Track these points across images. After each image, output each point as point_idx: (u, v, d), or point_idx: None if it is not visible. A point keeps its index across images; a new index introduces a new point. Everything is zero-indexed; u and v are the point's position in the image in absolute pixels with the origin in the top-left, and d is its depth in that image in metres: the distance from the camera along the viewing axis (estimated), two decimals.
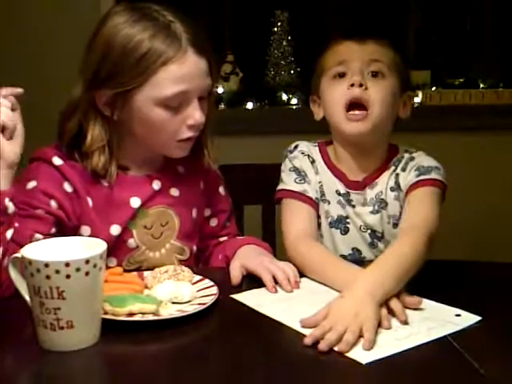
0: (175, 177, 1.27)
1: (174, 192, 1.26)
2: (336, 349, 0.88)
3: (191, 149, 1.23)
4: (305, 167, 1.33)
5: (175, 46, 1.12)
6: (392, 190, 1.29)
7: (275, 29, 2.62)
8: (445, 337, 0.93)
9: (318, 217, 1.32)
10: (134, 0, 1.22)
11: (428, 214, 1.20)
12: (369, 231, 1.30)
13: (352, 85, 1.23)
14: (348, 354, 0.87)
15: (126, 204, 1.21)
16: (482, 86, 2.64)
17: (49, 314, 0.85)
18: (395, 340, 0.92)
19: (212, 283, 1.07)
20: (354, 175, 1.31)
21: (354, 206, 1.31)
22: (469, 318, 1.00)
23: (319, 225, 1.32)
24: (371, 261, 1.18)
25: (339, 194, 1.31)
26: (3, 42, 2.36)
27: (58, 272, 0.83)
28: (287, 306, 1.04)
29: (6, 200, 1.04)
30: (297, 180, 1.31)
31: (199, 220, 1.32)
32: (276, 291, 1.09)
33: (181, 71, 1.12)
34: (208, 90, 1.18)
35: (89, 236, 1.17)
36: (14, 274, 0.92)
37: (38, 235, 1.12)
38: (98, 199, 1.19)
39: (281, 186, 1.33)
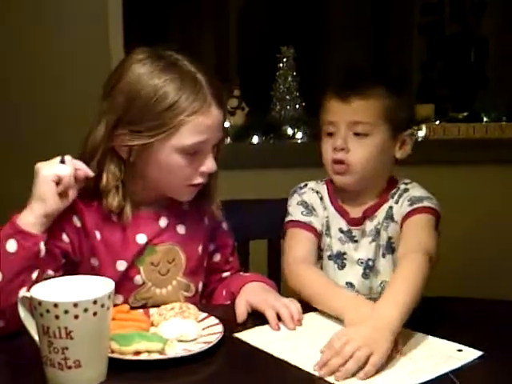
0: (181, 214, 1.29)
1: (180, 229, 1.28)
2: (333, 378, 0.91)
3: (199, 193, 1.26)
4: (313, 202, 1.39)
5: (201, 98, 1.15)
6: (384, 220, 1.35)
7: (281, 64, 2.64)
8: (446, 373, 0.93)
9: (321, 250, 1.37)
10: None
11: (424, 237, 1.23)
12: (364, 264, 1.35)
13: (336, 147, 1.31)
14: None
15: (132, 240, 1.23)
16: (485, 119, 2.66)
17: (57, 354, 0.86)
18: (400, 376, 0.93)
19: (217, 321, 1.08)
20: (355, 212, 1.37)
21: (356, 241, 1.36)
22: (470, 353, 1.01)
23: (320, 257, 1.37)
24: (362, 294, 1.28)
25: (341, 232, 1.37)
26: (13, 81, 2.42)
27: (66, 312, 0.85)
28: (291, 343, 1.05)
29: (41, 244, 1.08)
30: (303, 212, 1.37)
31: (204, 256, 1.33)
32: (279, 328, 1.10)
33: (205, 123, 1.16)
34: (221, 140, 1.23)
35: (96, 269, 1.19)
36: (23, 314, 0.94)
37: (49, 271, 1.13)
38: (105, 234, 1.21)
39: (288, 219, 1.39)
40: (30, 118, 2.36)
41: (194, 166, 1.19)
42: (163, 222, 1.26)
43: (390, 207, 1.35)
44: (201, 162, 1.19)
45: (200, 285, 1.32)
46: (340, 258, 1.36)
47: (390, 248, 1.34)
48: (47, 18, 2.40)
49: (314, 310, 1.18)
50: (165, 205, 1.27)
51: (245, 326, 1.12)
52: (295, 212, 1.38)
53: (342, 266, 1.36)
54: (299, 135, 2.56)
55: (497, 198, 2.51)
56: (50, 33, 2.39)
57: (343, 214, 1.37)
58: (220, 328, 1.05)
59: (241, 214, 1.50)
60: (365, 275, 1.35)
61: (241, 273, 1.37)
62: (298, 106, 2.62)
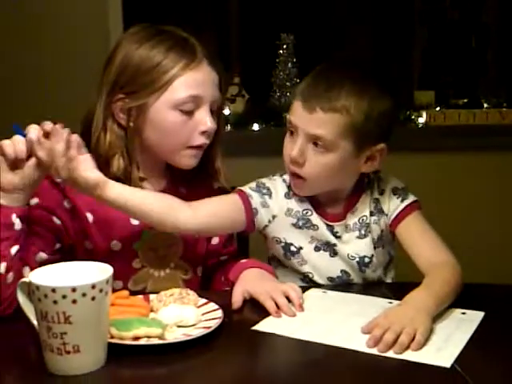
0: (177, 196, 1.29)
1: None
2: (392, 351, 0.95)
3: (201, 167, 1.26)
4: (276, 190, 1.29)
5: (191, 54, 1.20)
6: (372, 214, 1.28)
7: (281, 51, 2.65)
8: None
9: (300, 248, 1.28)
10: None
11: (439, 243, 1.22)
12: (357, 259, 1.27)
13: (292, 158, 1.20)
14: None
15: (126, 220, 1.23)
16: (486, 105, 2.66)
17: (55, 339, 0.86)
18: (438, 350, 0.96)
19: (217, 306, 1.08)
20: (334, 208, 1.29)
21: (339, 237, 1.28)
22: (475, 315, 1.09)
23: (297, 252, 1.28)
24: (359, 284, 1.28)
25: (321, 228, 1.28)
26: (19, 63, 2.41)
27: (64, 297, 0.85)
28: (312, 325, 1.06)
29: (13, 216, 1.08)
30: (252, 187, 1.28)
31: (202, 239, 1.34)
32: (280, 316, 1.09)
33: (195, 78, 1.20)
34: (218, 103, 1.25)
35: (91, 252, 1.21)
36: (21, 299, 0.94)
37: (41, 253, 1.15)
38: (98, 215, 1.22)
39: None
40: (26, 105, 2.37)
41: (191, 125, 1.21)
42: None
43: (377, 199, 1.28)
44: (199, 121, 1.21)
45: (199, 269, 1.32)
46: (330, 246, 1.27)
47: (381, 241, 1.29)
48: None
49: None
50: (161, 187, 1.28)
51: (241, 312, 1.12)
52: (246, 186, 1.28)
53: (333, 254, 1.28)
54: None
55: (497, 183, 2.51)
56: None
57: (320, 211, 1.27)
58: (220, 313, 1.05)
59: None
60: (361, 270, 1.28)
61: (239, 259, 1.36)
62: None
